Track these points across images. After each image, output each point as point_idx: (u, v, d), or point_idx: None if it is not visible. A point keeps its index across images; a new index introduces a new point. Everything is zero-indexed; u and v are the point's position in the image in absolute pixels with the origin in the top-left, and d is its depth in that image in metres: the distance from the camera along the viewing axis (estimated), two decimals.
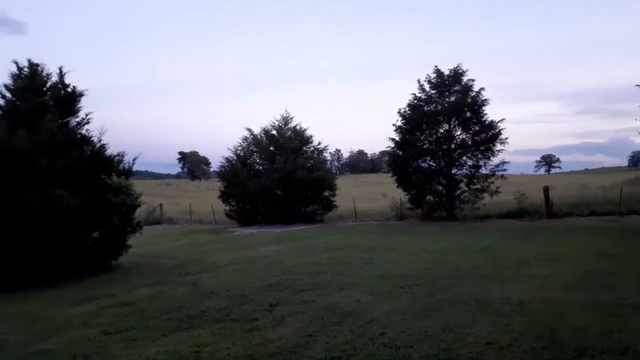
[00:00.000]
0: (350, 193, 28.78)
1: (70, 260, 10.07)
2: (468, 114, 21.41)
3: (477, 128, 21.43)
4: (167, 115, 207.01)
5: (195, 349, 5.08)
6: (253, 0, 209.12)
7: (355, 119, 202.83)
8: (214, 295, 7.68)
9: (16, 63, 10.91)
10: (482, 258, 10.31)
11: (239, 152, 25.02)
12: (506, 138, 21.24)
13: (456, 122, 21.70)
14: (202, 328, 5.85)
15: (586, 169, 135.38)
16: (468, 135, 21.70)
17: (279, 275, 9.06)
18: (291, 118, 25.08)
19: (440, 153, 21.78)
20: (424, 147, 21.98)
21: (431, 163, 22.16)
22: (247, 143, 25.17)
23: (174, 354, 4.96)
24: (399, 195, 23.02)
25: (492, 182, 20.92)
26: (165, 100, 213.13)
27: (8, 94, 10.80)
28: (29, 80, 10.84)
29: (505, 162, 21.39)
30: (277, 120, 25.02)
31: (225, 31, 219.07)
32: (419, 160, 22.06)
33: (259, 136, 25.01)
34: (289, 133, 24.87)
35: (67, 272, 9.90)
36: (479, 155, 21.45)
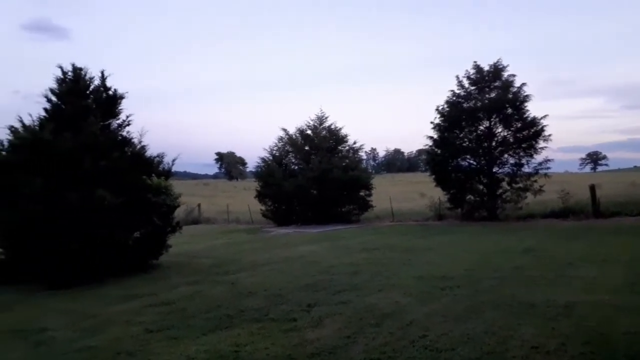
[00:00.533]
0: (386, 192, 28.50)
1: (113, 259, 10.33)
2: (509, 110, 20.80)
3: (519, 125, 20.79)
4: (205, 116, 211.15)
5: (235, 348, 5.08)
6: (287, 1, 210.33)
7: (391, 118, 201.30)
8: (252, 294, 7.71)
9: (61, 68, 11.27)
10: (526, 259, 9.97)
11: (274, 152, 25.18)
12: (549, 135, 20.54)
13: (497, 119, 21.12)
14: (241, 327, 5.86)
15: (635, 167, 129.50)
16: (509, 132, 21.08)
17: (315, 276, 9.02)
18: (326, 117, 25.06)
19: (480, 151, 21.25)
20: (464, 144, 21.49)
21: (471, 161, 21.64)
22: (282, 143, 25.30)
23: (214, 353, 4.98)
24: (438, 195, 22.60)
25: (535, 181, 20.25)
26: (203, 101, 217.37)
27: (54, 98, 11.17)
28: (73, 84, 11.18)
29: (549, 160, 20.67)
30: (312, 120, 25.06)
31: (260, 32, 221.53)
32: (459, 159, 21.58)
33: (294, 136, 25.08)
34: (324, 132, 24.84)
35: (110, 271, 10.15)
36: (521, 153, 20.80)
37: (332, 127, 24.91)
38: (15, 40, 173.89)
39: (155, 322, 6.35)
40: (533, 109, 22.78)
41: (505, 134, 21.20)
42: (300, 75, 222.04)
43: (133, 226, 11.01)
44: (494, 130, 21.30)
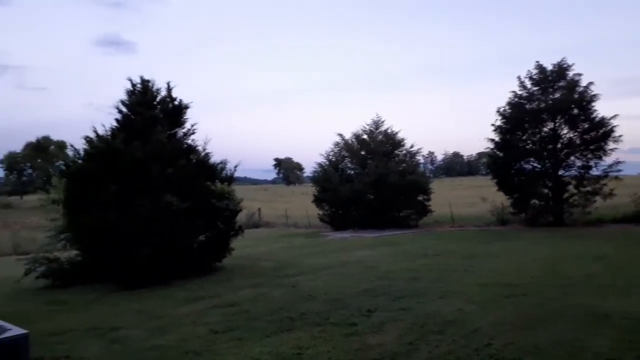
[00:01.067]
0: (445, 197, 27.91)
1: (180, 262, 10.77)
2: (575, 111, 19.88)
3: (586, 126, 19.82)
4: (263, 123, 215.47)
5: (297, 351, 5.18)
6: (341, 5, 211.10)
7: (449, 120, 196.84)
8: (312, 298, 7.81)
9: (130, 80, 11.92)
10: (597, 267, 9.48)
11: (330, 157, 25.34)
12: (620, 136, 19.45)
13: (562, 120, 20.24)
14: (302, 330, 5.97)
15: None
16: (576, 133, 20.14)
17: (374, 281, 9.00)
18: (382, 122, 24.93)
19: (545, 153, 20.43)
20: (527, 147, 20.74)
21: (535, 164, 20.85)
22: (338, 148, 25.42)
23: (277, 355, 5.10)
24: (500, 199, 21.91)
25: (605, 184, 19.21)
26: (262, 108, 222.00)
27: (124, 109, 11.81)
28: (142, 95, 11.79)
29: (620, 162, 19.55)
30: (368, 125, 25.02)
31: (316, 40, 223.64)
32: (522, 162, 20.85)
33: (350, 141, 25.14)
34: (380, 137, 24.72)
35: (176, 273, 10.59)
36: (589, 155, 19.81)
37: (389, 131, 24.76)
38: (88, 55, 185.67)
39: (220, 323, 6.57)
40: (601, 109, 21.56)
41: (572, 135, 20.29)
42: (356, 80, 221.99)
43: (198, 230, 11.45)
44: (559, 131, 20.42)
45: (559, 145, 20.35)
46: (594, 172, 19.80)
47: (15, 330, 2.95)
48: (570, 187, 20.00)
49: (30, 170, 63.45)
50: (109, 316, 7.64)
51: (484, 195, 31.09)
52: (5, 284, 11.37)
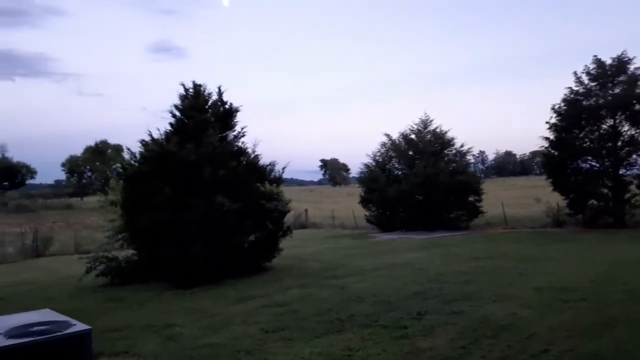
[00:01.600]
0: (498, 197, 27.12)
1: (231, 262, 11.01)
2: (637, 106, 18.86)
3: None
4: (309, 124, 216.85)
5: (347, 352, 5.19)
6: (389, 5, 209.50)
7: (500, 119, 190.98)
8: (361, 299, 7.79)
9: (183, 85, 12.31)
10: None
11: (377, 158, 25.16)
12: None
13: (622, 117, 19.25)
14: (352, 332, 5.96)
15: None
16: (638, 130, 19.10)
17: (424, 284, 8.86)
18: (430, 121, 24.51)
19: (603, 152, 19.50)
20: (584, 145, 19.86)
21: (593, 163, 19.93)
22: (385, 149, 25.20)
23: (327, 356, 5.12)
24: (555, 200, 21.07)
25: None
26: (308, 110, 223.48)
27: (178, 113, 12.21)
28: (194, 99, 12.15)
29: None
30: (415, 124, 24.65)
31: (362, 41, 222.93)
32: (578, 161, 19.99)
33: (397, 141, 24.86)
34: (429, 136, 24.31)
35: (228, 273, 10.83)
36: None
37: (437, 130, 24.31)
38: (142, 61, 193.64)
39: (270, 323, 6.67)
40: None
41: (633, 132, 19.27)
42: (405, 80, 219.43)
43: (249, 230, 11.67)
44: (620, 129, 19.43)
45: (619, 143, 19.37)
46: None
47: (79, 326, 3.11)
48: (632, 187, 19.00)
49: (89, 173, 66.71)
50: (164, 314, 7.90)
51: (538, 196, 29.99)
52: (69, 282, 12.03)
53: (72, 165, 66.30)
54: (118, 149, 60.79)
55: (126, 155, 13.39)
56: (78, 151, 66.62)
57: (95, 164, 64.35)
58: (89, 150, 64.68)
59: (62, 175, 72.55)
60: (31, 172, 73.50)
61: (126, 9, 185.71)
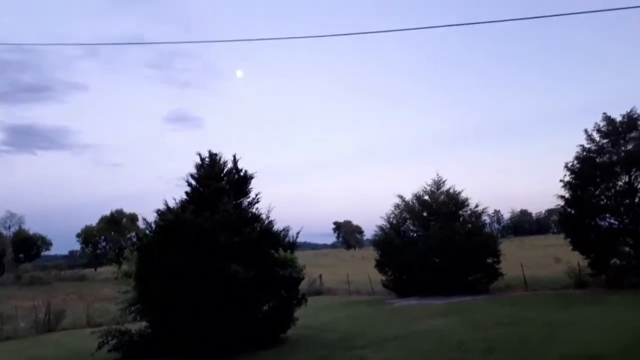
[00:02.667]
0: (516, 258, 26.51)
1: (246, 333, 10.73)
2: None
3: None
4: (321, 186, 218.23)
5: None
6: (397, 69, 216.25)
7: (515, 177, 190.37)
8: None
9: (199, 155, 12.59)
10: None
11: (391, 219, 24.91)
12: None
13: (638, 173, 19.07)
14: None
15: None
16: None
17: (447, 353, 8.51)
18: (444, 181, 24.43)
19: (621, 209, 19.16)
20: (601, 203, 19.56)
21: (612, 221, 19.52)
22: (399, 210, 24.97)
23: None
24: (576, 259, 20.49)
25: None
26: (319, 172, 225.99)
27: (193, 182, 12.42)
28: (210, 168, 12.38)
29: None
30: (428, 185, 24.57)
31: (373, 102, 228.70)
32: (597, 218, 19.61)
33: (410, 202, 24.71)
34: (443, 197, 24.15)
35: (243, 345, 10.52)
36: None
37: (451, 191, 24.15)
38: (158, 131, 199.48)
39: None
40: None
41: None
42: (418, 141, 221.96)
43: (263, 299, 11.46)
44: (636, 185, 19.18)
45: (636, 200, 19.06)
46: None
47: None
48: None
49: (104, 243, 66.99)
50: None
51: (558, 255, 29.27)
52: (82, 356, 11.74)
53: (87, 235, 66.74)
54: (133, 218, 61.28)
55: (141, 225, 13.48)
56: (94, 221, 67.30)
57: (110, 233, 64.71)
58: (104, 220, 65.27)
59: (76, 246, 73.03)
60: (46, 244, 74.18)
61: (144, 82, 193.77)
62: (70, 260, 76.21)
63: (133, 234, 57.76)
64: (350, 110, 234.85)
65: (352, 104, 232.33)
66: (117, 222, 63.95)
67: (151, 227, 12.10)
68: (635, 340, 8.52)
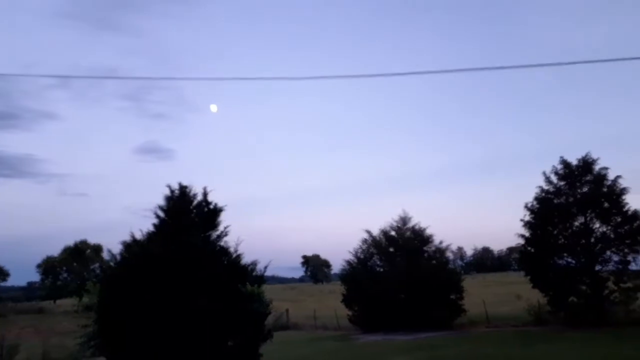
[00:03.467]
0: (478, 295, 26.99)
1: None
2: (606, 204, 19.72)
3: (619, 219, 19.52)
4: (289, 220, 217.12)
5: None
6: (367, 112, 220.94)
7: (477, 215, 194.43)
8: None
9: (169, 187, 12.51)
10: None
11: (359, 254, 25.12)
12: None
13: (593, 215, 20.01)
14: None
15: None
16: (609, 228, 19.78)
17: None
18: (409, 218, 24.93)
19: (578, 248, 19.97)
20: (559, 242, 20.36)
21: (569, 260, 20.29)
22: (366, 245, 25.23)
23: None
24: (536, 297, 21.10)
25: None
26: (288, 206, 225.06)
27: (161, 214, 12.33)
28: (179, 200, 12.31)
29: None
30: (395, 221, 25.04)
31: (341, 143, 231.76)
32: (555, 257, 20.34)
33: (378, 237, 25.05)
34: (409, 233, 24.61)
35: None
36: (626, 250, 19.26)
37: (417, 227, 24.66)
38: (128, 162, 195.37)
39: None
40: (633, 202, 21.27)
41: (605, 229, 19.92)
42: (382, 178, 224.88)
43: (228, 335, 11.32)
44: (591, 225, 20.10)
45: (592, 240, 19.91)
46: (633, 266, 19.12)
47: None
48: (610, 284, 19.24)
49: (65, 274, 64.40)
50: None
51: (519, 293, 29.96)
52: None
53: (48, 266, 64.07)
54: (97, 249, 59.30)
55: (106, 256, 13.24)
56: (56, 252, 64.81)
57: (73, 264, 62.35)
58: (67, 251, 62.88)
59: (36, 277, 69.91)
60: (3, 274, 70.69)
61: (116, 113, 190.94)
62: (28, 292, 72.83)
63: (97, 265, 55.91)
64: (320, 147, 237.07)
65: (321, 144, 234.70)
66: (81, 253, 61.71)
67: (116, 259, 11.91)
68: None
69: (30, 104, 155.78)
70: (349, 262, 25.26)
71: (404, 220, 24.99)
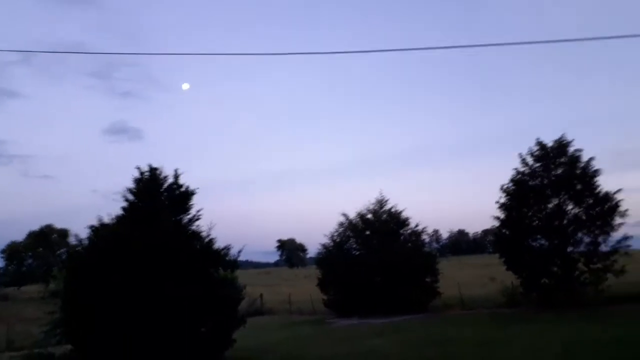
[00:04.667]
0: (453, 277, 27.25)
1: (180, 356, 10.26)
2: (579, 186, 19.93)
3: (591, 201, 19.75)
4: (264, 203, 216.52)
5: None
6: (341, 88, 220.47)
7: (452, 198, 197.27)
8: None
9: (139, 169, 12.05)
10: (618, 352, 8.97)
11: (335, 237, 24.95)
12: (626, 210, 19.29)
13: (566, 196, 20.22)
14: None
15: None
16: (581, 209, 20.00)
17: None
18: (386, 201, 24.81)
19: (551, 230, 20.19)
20: (533, 224, 20.53)
21: (542, 242, 20.51)
22: (343, 228, 25.06)
23: None
24: (510, 279, 21.34)
25: (615, 260, 18.77)
26: (263, 189, 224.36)
27: (131, 197, 11.85)
28: (149, 183, 11.87)
29: (629, 237, 19.22)
30: (372, 204, 24.91)
31: (318, 119, 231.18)
32: (529, 239, 20.53)
33: (354, 221, 24.91)
34: (385, 216, 24.54)
35: None
36: (597, 231, 19.54)
37: (393, 210, 24.60)
38: (96, 143, 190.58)
39: None
40: (605, 183, 21.56)
41: (577, 211, 20.13)
42: (359, 159, 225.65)
43: (200, 321, 11.01)
44: (564, 207, 20.31)
45: (565, 222, 20.14)
46: (603, 248, 19.43)
47: None
48: (580, 265, 19.55)
49: (30, 260, 62.69)
50: None
51: (493, 275, 30.41)
52: None
53: (12, 251, 62.23)
54: (64, 233, 57.84)
55: (73, 241, 12.71)
56: (21, 237, 62.86)
57: (38, 249, 60.71)
58: (32, 235, 61.14)
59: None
60: None
61: (83, 91, 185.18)
62: None
63: (63, 250, 54.51)
64: (294, 128, 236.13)
65: (294, 124, 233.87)
66: (47, 238, 60.14)
67: (83, 244, 11.44)
68: (562, 357, 8.87)
69: None
70: (324, 246, 25.09)
71: (381, 203, 24.88)
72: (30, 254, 61.49)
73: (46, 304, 13.06)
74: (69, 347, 11.34)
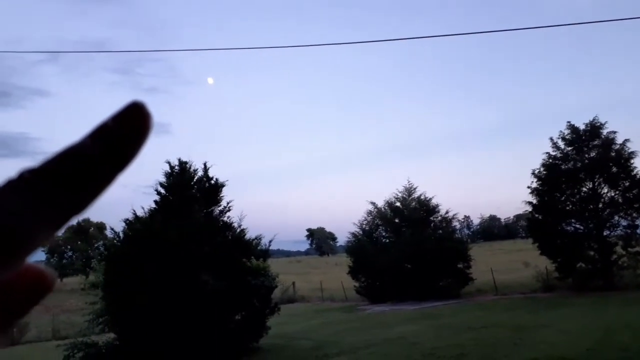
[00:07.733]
0: (486, 263, 26.92)
1: (215, 343, 10.55)
2: (614, 169, 19.39)
3: (627, 184, 19.23)
4: (295, 193, 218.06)
5: None
6: (371, 75, 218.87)
7: (484, 184, 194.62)
8: None
9: (169, 163, 12.35)
10: None
11: (364, 226, 25.05)
12: None
13: (601, 179, 19.71)
14: None
15: None
16: (617, 192, 19.51)
17: (420, 359, 8.55)
18: (415, 188, 24.70)
19: (586, 214, 19.75)
20: (567, 208, 20.13)
21: (577, 226, 20.10)
22: (371, 217, 25.14)
23: None
24: (544, 263, 20.99)
25: None
26: (293, 180, 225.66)
27: (162, 190, 12.17)
28: (179, 177, 12.16)
29: None
30: (400, 192, 24.82)
31: (348, 110, 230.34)
32: (563, 223, 20.15)
33: (383, 209, 24.90)
34: (414, 204, 24.40)
35: (214, 355, 10.35)
36: (634, 214, 19.02)
37: (422, 197, 24.45)
38: None
39: None
40: None
41: (613, 194, 19.65)
42: (390, 147, 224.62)
43: (234, 309, 11.29)
44: (599, 191, 19.82)
45: (600, 205, 19.68)
46: None
47: None
48: (618, 248, 19.08)
49: (70, 253, 64.99)
50: None
51: (526, 260, 29.93)
52: None
53: (52, 245, 64.60)
54: (101, 227, 59.66)
55: (109, 234, 13.17)
56: (60, 232, 64.93)
57: (77, 243, 62.85)
58: (71, 230, 63.28)
59: (41, 257, 70.55)
60: None
61: (109, 88, 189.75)
62: None
63: (101, 243, 56.25)
64: (323, 118, 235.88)
65: (325, 113, 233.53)
66: (84, 232, 62.19)
67: (119, 237, 11.82)
68: (600, 341, 8.74)
69: (19, 81, 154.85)
70: (354, 234, 25.20)
71: (409, 190, 24.76)
72: (69, 247, 63.77)
73: (87, 295, 13.55)
74: (111, 335, 11.79)
